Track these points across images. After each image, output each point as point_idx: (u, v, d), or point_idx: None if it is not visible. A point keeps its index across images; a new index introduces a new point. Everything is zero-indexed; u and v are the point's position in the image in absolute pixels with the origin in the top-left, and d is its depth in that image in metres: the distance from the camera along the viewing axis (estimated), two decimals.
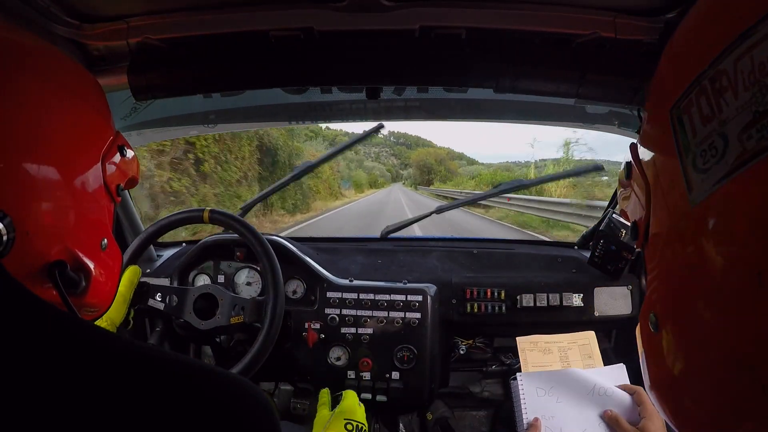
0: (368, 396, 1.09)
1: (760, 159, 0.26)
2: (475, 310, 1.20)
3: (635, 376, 1.15)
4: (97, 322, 0.83)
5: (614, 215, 1.17)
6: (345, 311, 1.14)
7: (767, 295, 0.25)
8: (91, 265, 0.46)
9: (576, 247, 1.42)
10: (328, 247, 1.39)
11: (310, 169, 1.43)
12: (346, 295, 1.15)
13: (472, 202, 1.74)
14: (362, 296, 1.14)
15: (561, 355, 1.05)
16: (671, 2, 0.59)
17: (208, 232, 1.30)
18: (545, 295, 1.20)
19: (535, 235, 8.62)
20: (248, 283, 1.21)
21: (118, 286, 0.55)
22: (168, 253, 1.36)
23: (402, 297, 1.14)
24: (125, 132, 1.13)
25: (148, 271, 1.26)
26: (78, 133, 0.45)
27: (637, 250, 1.13)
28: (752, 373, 0.26)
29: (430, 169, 63.87)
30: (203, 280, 1.19)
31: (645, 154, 0.43)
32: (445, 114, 1.26)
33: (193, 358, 0.51)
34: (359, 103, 1.20)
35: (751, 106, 0.27)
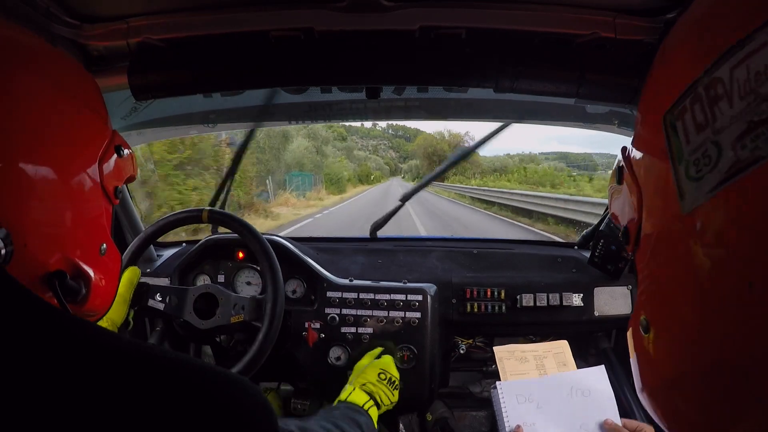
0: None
1: (754, 169, 0.26)
2: (475, 310, 1.20)
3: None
4: (98, 323, 0.83)
5: None
6: (345, 311, 1.14)
7: (758, 306, 0.25)
8: (91, 272, 0.46)
9: (576, 247, 1.42)
10: (328, 247, 1.40)
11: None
12: (346, 295, 1.15)
13: (435, 178, 1.67)
14: (362, 296, 1.14)
15: (537, 363, 1.08)
16: (671, 2, 0.59)
17: (208, 232, 1.30)
18: (545, 295, 1.20)
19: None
20: (248, 283, 1.21)
21: (117, 289, 0.54)
22: (168, 253, 1.36)
23: (402, 297, 1.14)
24: (125, 132, 1.14)
25: (148, 271, 1.26)
26: (73, 135, 0.44)
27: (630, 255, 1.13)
28: (745, 379, 0.26)
29: (442, 159, 50.59)
30: (203, 280, 1.19)
31: (637, 158, 0.42)
32: (445, 114, 1.26)
33: (193, 358, 0.51)
34: (359, 103, 1.20)
35: (746, 115, 0.27)
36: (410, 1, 0.64)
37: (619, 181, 0.45)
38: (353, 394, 0.88)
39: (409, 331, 1.12)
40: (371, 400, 0.88)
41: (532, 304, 1.20)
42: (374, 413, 0.86)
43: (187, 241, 1.45)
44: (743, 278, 0.26)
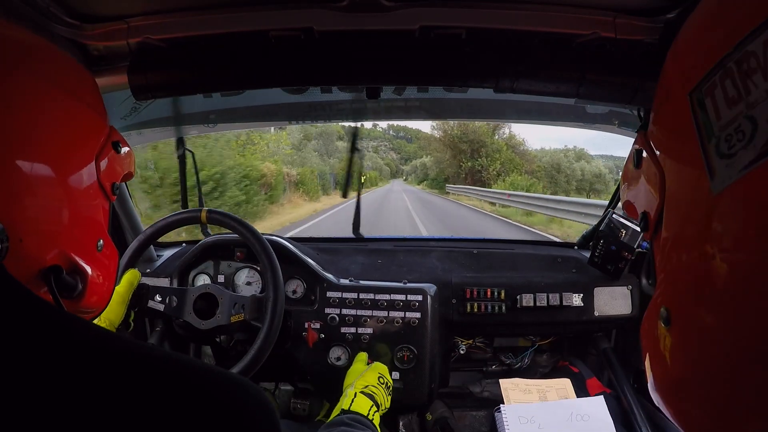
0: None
1: None
2: (475, 310, 1.20)
3: (635, 378, 1.15)
4: (96, 323, 0.84)
5: (614, 215, 1.17)
6: (345, 311, 1.14)
7: None
8: (87, 268, 0.45)
9: (576, 247, 1.42)
10: (328, 247, 1.40)
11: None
12: (346, 295, 1.15)
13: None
14: (362, 296, 1.14)
15: (540, 395, 1.14)
16: (671, 2, 0.59)
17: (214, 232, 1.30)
18: (545, 295, 1.20)
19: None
20: (248, 283, 1.21)
21: (115, 285, 0.54)
22: (168, 254, 1.36)
23: (402, 297, 1.14)
24: (125, 132, 1.13)
25: (148, 271, 1.26)
26: (70, 130, 0.44)
27: (637, 250, 1.13)
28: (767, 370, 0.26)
29: (477, 151, 28.18)
30: (203, 280, 1.19)
31: (658, 139, 0.40)
32: (445, 114, 1.26)
33: (193, 358, 0.50)
34: (359, 103, 1.20)
35: None
36: (410, 1, 0.64)
37: (637, 165, 0.43)
38: (356, 400, 0.85)
39: (409, 332, 1.12)
40: (374, 405, 0.86)
41: (532, 304, 1.20)
42: (377, 420, 0.85)
43: (187, 242, 1.45)
44: None
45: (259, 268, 1.19)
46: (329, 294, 1.15)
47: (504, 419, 1.02)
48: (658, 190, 0.39)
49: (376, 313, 1.13)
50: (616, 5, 0.64)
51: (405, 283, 1.18)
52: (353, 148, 1.39)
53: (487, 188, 20.14)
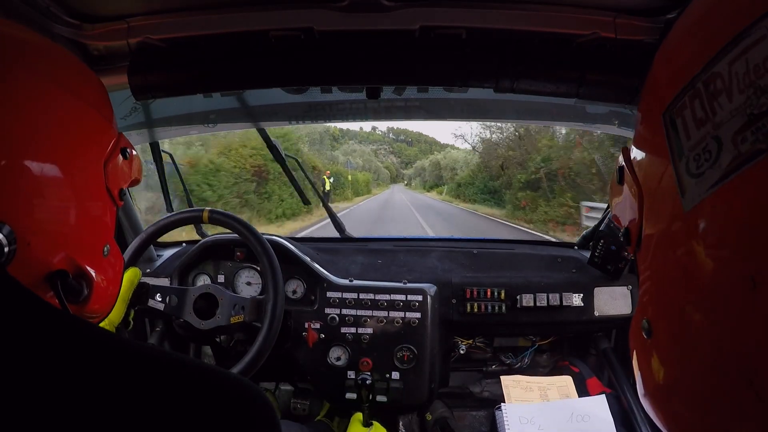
0: (368, 396, 1.09)
1: (755, 162, 0.26)
2: (475, 310, 1.20)
3: (634, 378, 1.15)
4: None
5: None
6: (345, 311, 1.14)
7: (760, 300, 0.25)
8: (93, 273, 0.45)
9: (576, 247, 1.42)
10: (328, 247, 1.40)
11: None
12: (346, 295, 1.15)
13: None
14: (362, 296, 1.14)
15: (541, 393, 1.14)
16: (671, 2, 0.59)
17: (212, 232, 1.30)
18: (545, 295, 1.20)
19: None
20: (248, 283, 1.21)
21: (119, 290, 0.54)
22: (168, 253, 1.36)
23: (402, 297, 1.14)
24: (125, 132, 1.13)
25: (148, 271, 1.26)
26: (79, 135, 0.44)
27: (631, 256, 1.14)
28: (746, 379, 0.26)
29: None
30: (203, 280, 1.19)
31: (637, 157, 0.42)
32: (445, 114, 1.26)
33: (193, 358, 0.50)
34: (359, 103, 1.20)
35: (746, 108, 0.27)
36: (410, 1, 0.64)
37: (620, 182, 0.45)
38: None
39: (409, 332, 1.12)
40: None
41: (532, 304, 1.20)
42: None
43: (187, 241, 1.45)
44: (745, 274, 0.26)
45: (259, 269, 1.19)
46: (329, 294, 1.15)
47: (504, 418, 1.02)
48: (638, 206, 0.40)
49: (376, 313, 1.13)
50: (616, 5, 0.64)
51: (405, 283, 1.18)
52: (278, 155, 1.34)
53: None
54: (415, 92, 1.05)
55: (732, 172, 0.27)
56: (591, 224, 1.40)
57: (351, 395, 1.09)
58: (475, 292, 1.21)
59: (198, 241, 1.21)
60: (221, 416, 0.31)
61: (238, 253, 1.19)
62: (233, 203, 9.72)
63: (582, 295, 1.20)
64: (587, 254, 1.27)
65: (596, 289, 1.22)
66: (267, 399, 0.36)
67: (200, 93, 0.80)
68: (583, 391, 1.16)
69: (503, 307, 1.21)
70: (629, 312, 1.21)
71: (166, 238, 1.19)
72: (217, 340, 1.14)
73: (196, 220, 1.03)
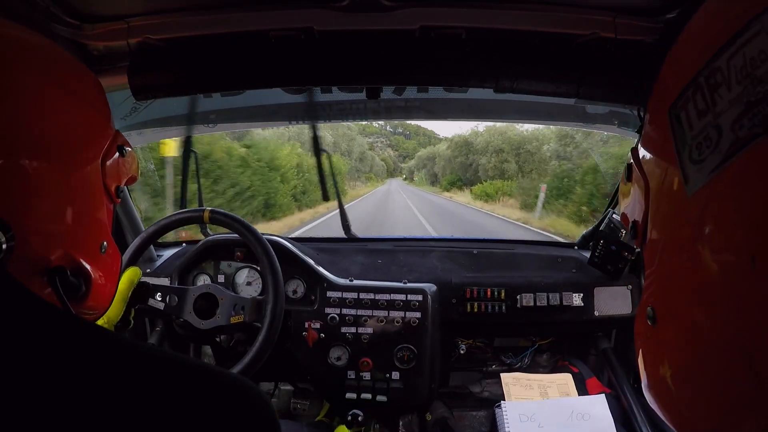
0: (368, 396, 1.09)
1: (752, 145, 0.27)
2: (475, 310, 1.20)
3: (634, 378, 1.15)
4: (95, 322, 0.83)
5: (614, 215, 1.17)
6: (345, 311, 1.14)
7: (760, 279, 0.26)
8: (91, 270, 0.46)
9: (576, 247, 1.42)
10: (328, 247, 1.40)
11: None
12: (346, 295, 1.15)
13: None
14: (362, 296, 1.14)
15: (541, 391, 1.14)
16: (671, 2, 0.59)
17: (213, 232, 1.30)
18: (545, 294, 1.20)
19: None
20: (248, 283, 1.21)
21: (117, 287, 0.54)
22: (168, 253, 1.36)
23: (402, 296, 1.14)
24: (125, 132, 1.13)
25: (148, 271, 1.26)
26: (76, 134, 0.44)
27: (636, 249, 1.14)
28: (749, 360, 0.27)
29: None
30: (203, 280, 1.19)
31: (645, 155, 0.43)
32: (445, 114, 1.26)
33: (193, 358, 0.50)
34: (359, 103, 1.20)
35: (743, 97, 0.29)
36: (410, 1, 0.64)
37: (628, 179, 0.46)
38: None
39: (409, 331, 1.12)
40: None
41: (532, 304, 1.20)
42: None
43: (187, 241, 1.45)
44: (746, 253, 0.27)
45: (259, 268, 1.19)
46: (329, 294, 1.15)
47: (504, 416, 1.02)
48: (644, 197, 0.42)
49: (376, 312, 1.13)
50: (616, 5, 0.64)
51: (405, 283, 1.18)
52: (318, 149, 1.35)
53: None
54: (415, 92, 1.05)
55: (731, 156, 0.29)
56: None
57: (351, 395, 1.09)
58: (475, 292, 1.21)
59: (198, 241, 1.21)
60: (221, 416, 0.31)
61: (238, 253, 1.19)
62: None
63: (582, 295, 1.20)
64: (587, 254, 1.27)
65: (596, 289, 1.22)
66: (267, 399, 0.36)
67: (200, 93, 0.80)
68: (582, 391, 1.16)
69: (503, 307, 1.21)
70: (629, 312, 1.21)
71: (166, 238, 1.19)
72: (217, 340, 1.14)
73: (196, 220, 1.03)
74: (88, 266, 0.45)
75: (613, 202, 1.31)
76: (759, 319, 0.26)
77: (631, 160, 0.46)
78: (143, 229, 1.14)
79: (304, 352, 1.13)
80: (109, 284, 0.50)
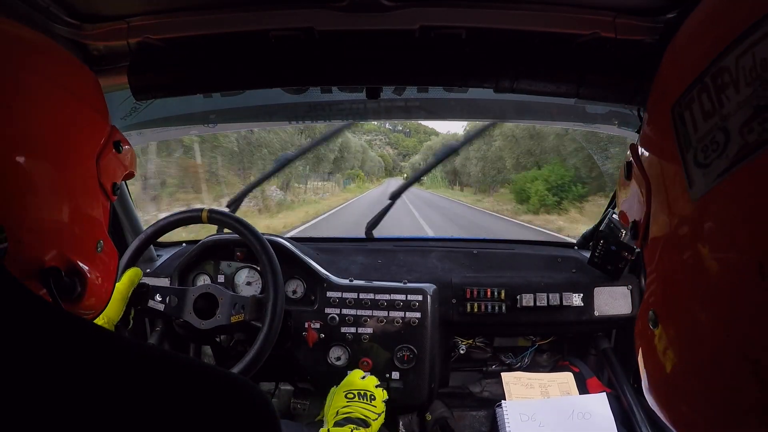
0: None
1: (762, 152, 0.26)
2: (475, 310, 1.20)
3: (634, 378, 1.15)
4: (95, 320, 0.83)
5: (614, 215, 1.17)
6: (345, 311, 1.14)
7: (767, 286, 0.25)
8: (87, 270, 0.45)
9: (576, 247, 1.42)
10: (328, 247, 1.40)
11: (289, 161, 1.51)
12: (346, 295, 1.15)
13: (419, 177, 1.80)
14: (362, 296, 1.14)
15: (542, 390, 1.14)
16: (671, 2, 0.59)
17: (208, 232, 1.30)
18: (545, 295, 1.20)
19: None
20: (248, 283, 1.21)
21: (114, 286, 0.54)
22: (168, 253, 1.36)
23: (402, 297, 1.14)
24: (125, 132, 1.14)
25: (148, 271, 1.26)
26: (70, 129, 0.43)
27: (636, 250, 1.14)
28: (754, 367, 0.26)
29: None
30: (203, 280, 1.19)
31: (646, 152, 0.43)
32: (445, 114, 1.26)
33: (193, 358, 0.50)
34: (359, 103, 1.20)
35: (753, 100, 0.27)
36: (410, 0, 0.64)
37: (628, 177, 0.46)
38: None
39: (409, 331, 1.12)
40: (356, 426, 0.80)
41: (532, 304, 1.20)
42: (376, 427, 0.82)
43: (187, 241, 1.45)
44: (753, 260, 0.26)
45: (259, 268, 1.19)
46: (329, 294, 1.15)
47: (505, 415, 1.02)
48: (645, 198, 0.41)
49: (376, 313, 1.13)
50: (616, 5, 0.64)
51: (405, 283, 1.18)
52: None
53: None
54: (415, 92, 1.05)
55: (739, 162, 0.28)
56: None
57: None
58: (475, 292, 1.21)
59: (198, 241, 1.21)
60: (221, 416, 0.31)
61: (238, 253, 1.19)
62: None
63: (582, 295, 1.20)
64: (587, 254, 1.27)
65: (596, 289, 1.22)
66: (267, 399, 0.36)
67: (200, 93, 0.80)
68: (583, 390, 1.16)
69: (503, 307, 1.21)
70: (629, 312, 1.21)
71: (166, 238, 1.19)
72: (217, 340, 1.14)
73: (195, 220, 1.04)
74: (83, 266, 0.44)
75: (613, 202, 1.31)
76: (765, 326, 0.26)
77: (631, 158, 0.45)
78: (143, 229, 1.13)
79: (304, 352, 1.13)
80: (106, 284, 0.49)
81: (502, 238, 1.57)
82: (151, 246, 1.28)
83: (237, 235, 1.03)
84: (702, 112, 0.32)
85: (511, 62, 0.69)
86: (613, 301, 1.22)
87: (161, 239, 1.14)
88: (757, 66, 0.27)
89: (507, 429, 1.00)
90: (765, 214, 0.26)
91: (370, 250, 1.37)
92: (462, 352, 1.28)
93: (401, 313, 1.13)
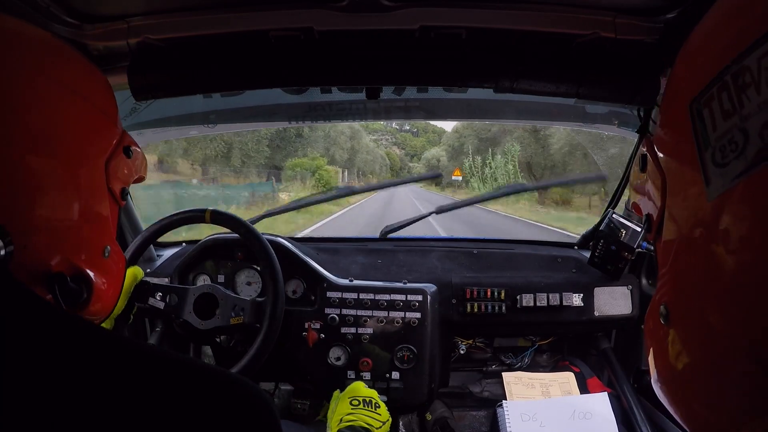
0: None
1: None
2: (475, 310, 1.20)
3: (634, 378, 1.15)
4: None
5: (614, 215, 1.17)
6: (345, 311, 1.14)
7: None
8: (93, 276, 0.44)
9: (576, 247, 1.42)
10: (329, 247, 1.40)
11: (353, 193, 1.58)
12: (346, 295, 1.15)
13: (474, 203, 1.76)
14: (362, 296, 1.14)
15: (543, 390, 1.14)
16: (671, 2, 0.59)
17: (208, 232, 1.30)
18: (545, 295, 1.20)
19: None
20: (248, 283, 1.21)
21: (121, 292, 0.53)
22: (168, 253, 1.36)
23: (402, 297, 1.14)
24: None
25: (148, 270, 1.26)
26: (79, 133, 0.43)
27: (637, 250, 1.14)
28: (764, 365, 0.26)
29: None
30: (203, 280, 1.19)
31: (662, 146, 0.42)
32: (444, 114, 1.26)
33: (193, 358, 0.50)
34: (359, 103, 1.20)
35: None
36: (410, 1, 0.64)
37: (643, 169, 0.45)
38: None
39: (409, 332, 1.12)
40: None
41: (532, 304, 1.19)
42: None
43: (187, 241, 1.45)
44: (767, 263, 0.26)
45: (259, 269, 1.19)
46: (329, 294, 1.15)
47: (506, 415, 1.02)
48: (660, 193, 0.41)
49: (376, 313, 1.13)
50: (616, 5, 0.64)
51: (405, 283, 1.18)
52: None
53: None
54: (415, 92, 1.05)
55: (758, 164, 0.28)
56: None
57: None
58: (475, 292, 1.21)
59: (198, 241, 1.21)
60: (221, 416, 0.31)
61: (239, 253, 1.19)
62: None
63: (582, 295, 1.20)
64: (587, 254, 1.27)
65: (596, 289, 1.22)
66: (267, 399, 0.36)
67: (200, 93, 0.80)
68: (583, 390, 1.16)
69: (503, 307, 1.20)
70: (629, 312, 1.21)
71: (165, 238, 1.19)
72: (217, 340, 1.14)
73: (197, 220, 1.04)
74: (90, 272, 0.44)
75: (613, 202, 1.31)
76: None
77: (645, 151, 0.44)
78: (143, 228, 1.13)
79: (304, 352, 1.13)
80: (112, 289, 0.49)
81: (502, 238, 1.58)
82: (151, 246, 1.28)
83: (237, 235, 1.03)
84: (722, 111, 0.32)
85: (511, 62, 0.69)
86: (613, 301, 1.22)
87: (161, 239, 1.14)
88: None
89: (508, 429, 1.00)
90: None
91: (370, 250, 1.37)
92: (462, 352, 1.28)
93: (401, 314, 1.13)
